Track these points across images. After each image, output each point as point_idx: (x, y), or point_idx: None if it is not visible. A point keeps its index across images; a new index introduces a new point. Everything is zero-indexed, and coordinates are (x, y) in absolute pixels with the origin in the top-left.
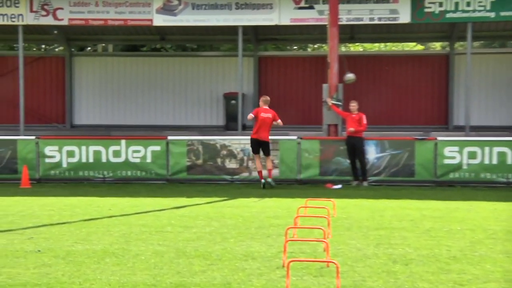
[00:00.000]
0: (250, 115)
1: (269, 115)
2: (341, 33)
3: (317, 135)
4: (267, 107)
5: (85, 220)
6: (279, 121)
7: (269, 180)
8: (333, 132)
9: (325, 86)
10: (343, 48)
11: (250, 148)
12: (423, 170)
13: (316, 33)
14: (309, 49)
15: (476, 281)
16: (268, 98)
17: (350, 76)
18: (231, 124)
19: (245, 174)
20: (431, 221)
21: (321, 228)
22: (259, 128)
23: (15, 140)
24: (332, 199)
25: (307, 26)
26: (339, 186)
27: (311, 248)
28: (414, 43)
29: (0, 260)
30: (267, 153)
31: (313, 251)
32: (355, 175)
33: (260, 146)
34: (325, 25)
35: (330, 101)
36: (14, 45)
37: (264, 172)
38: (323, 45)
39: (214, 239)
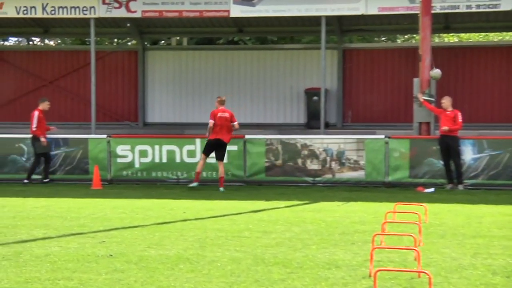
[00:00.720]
0: (211, 122)
1: (226, 114)
2: (434, 23)
3: (407, 134)
4: (223, 107)
5: (158, 223)
6: (236, 123)
7: (221, 189)
8: (424, 130)
9: (416, 80)
10: (436, 39)
11: (334, 149)
12: None
13: (407, 23)
14: (398, 41)
15: None
16: (223, 98)
17: (437, 72)
18: (312, 122)
19: (328, 176)
20: None
21: (411, 235)
22: (220, 129)
23: (86, 139)
24: (423, 204)
25: (397, 15)
26: (432, 189)
27: (400, 257)
28: None
29: (71, 264)
30: (221, 157)
31: (403, 260)
32: (449, 178)
33: (215, 149)
34: (416, 14)
35: (422, 97)
36: (86, 39)
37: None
38: (414, 35)
39: (294, 246)
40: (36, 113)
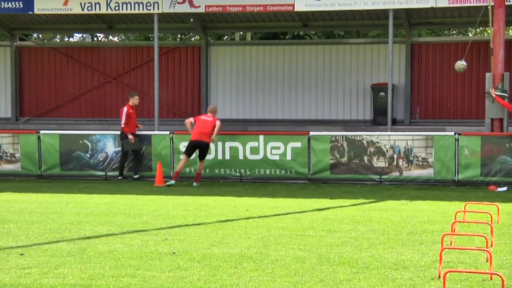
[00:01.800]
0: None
1: (210, 118)
2: (508, 15)
3: (478, 130)
4: (210, 114)
5: (221, 221)
6: (214, 133)
7: (195, 184)
8: (497, 127)
9: (488, 75)
10: (510, 32)
11: (401, 146)
12: None
13: (479, 16)
14: (470, 34)
15: None
16: (213, 107)
17: (462, 64)
18: (379, 118)
19: (395, 174)
20: None
21: (483, 236)
22: (201, 129)
23: (149, 135)
24: (496, 203)
25: (468, 7)
26: (505, 188)
27: (471, 258)
28: None
29: (134, 261)
30: (203, 156)
31: (474, 261)
32: None
33: (197, 149)
34: (488, 6)
35: (494, 92)
36: (149, 35)
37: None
38: (487, 29)
39: (360, 245)
40: (125, 109)
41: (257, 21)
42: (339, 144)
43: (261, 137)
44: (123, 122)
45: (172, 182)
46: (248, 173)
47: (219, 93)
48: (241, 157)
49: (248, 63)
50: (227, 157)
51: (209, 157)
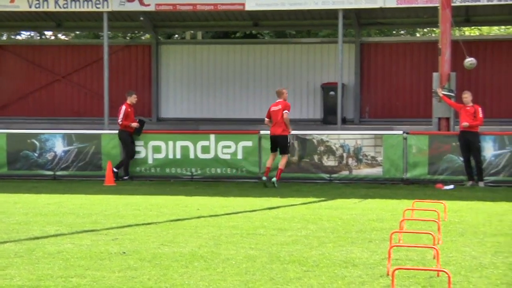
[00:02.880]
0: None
1: (278, 107)
2: (454, 16)
3: (426, 129)
4: (279, 100)
5: (172, 220)
6: (285, 111)
7: (274, 180)
8: (444, 126)
9: (435, 75)
10: (457, 33)
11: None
12: None
13: (426, 16)
14: (418, 34)
15: None
16: (279, 90)
17: (471, 61)
18: (329, 117)
19: (345, 173)
20: None
21: (430, 233)
22: (273, 122)
23: (99, 135)
24: (443, 201)
25: (416, 8)
26: (451, 186)
27: (419, 255)
28: None
29: (84, 262)
30: (282, 151)
31: (421, 259)
32: (469, 175)
33: (276, 144)
34: (436, 7)
35: (441, 92)
36: (99, 33)
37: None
38: (434, 29)
39: (310, 244)
40: (123, 107)
41: (208, 20)
42: (289, 143)
43: (212, 136)
44: (120, 119)
45: (266, 178)
46: (199, 172)
47: (170, 92)
48: (192, 156)
49: (199, 62)
50: (178, 156)
51: (159, 156)
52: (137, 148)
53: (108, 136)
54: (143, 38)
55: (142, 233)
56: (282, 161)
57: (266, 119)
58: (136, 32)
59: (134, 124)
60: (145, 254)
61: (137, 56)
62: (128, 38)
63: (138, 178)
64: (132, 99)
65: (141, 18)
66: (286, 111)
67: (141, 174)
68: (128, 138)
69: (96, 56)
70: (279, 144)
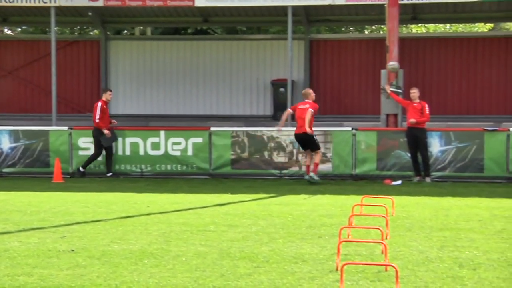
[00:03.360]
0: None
1: (305, 106)
2: (401, 13)
3: (374, 126)
4: (307, 100)
5: (122, 217)
6: (310, 110)
7: (312, 175)
8: (392, 122)
9: (383, 72)
10: (403, 30)
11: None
12: (493, 165)
13: (374, 14)
14: (366, 31)
15: None
16: (306, 90)
17: (394, 64)
18: (279, 113)
19: (295, 169)
20: (503, 221)
21: (378, 228)
22: (297, 120)
23: (46, 131)
24: (391, 197)
25: (364, 5)
26: (399, 182)
27: (367, 250)
28: (484, 24)
29: (32, 260)
30: (312, 148)
31: (370, 254)
32: (416, 170)
33: (303, 142)
34: (383, 5)
35: (389, 89)
36: (47, 28)
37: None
38: (382, 26)
39: (260, 240)
40: (99, 104)
41: (158, 16)
42: (240, 140)
43: (162, 133)
44: (97, 117)
45: (306, 177)
46: (149, 168)
47: (119, 88)
48: (142, 152)
49: (148, 58)
50: (128, 152)
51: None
52: (86, 145)
53: (56, 132)
54: (91, 33)
55: (91, 230)
56: (316, 157)
57: (290, 109)
58: (85, 27)
59: (107, 132)
60: (94, 251)
61: (86, 52)
62: (76, 33)
63: (88, 175)
64: (107, 95)
65: (89, 14)
66: (312, 109)
67: (89, 172)
68: (100, 136)
69: (43, 51)
70: (306, 142)
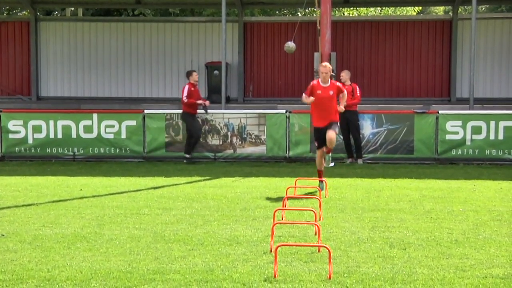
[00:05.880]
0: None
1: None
2: None
3: (307, 108)
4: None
5: (54, 201)
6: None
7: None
8: None
9: (316, 54)
10: (335, 14)
11: (235, 124)
12: (423, 147)
13: None
14: (299, 14)
15: (480, 266)
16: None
17: (290, 44)
18: (213, 96)
19: (229, 151)
20: (432, 202)
21: (312, 210)
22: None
23: None
24: (324, 179)
25: None
26: (332, 164)
27: (301, 232)
28: (414, 8)
29: None
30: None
31: (303, 235)
32: (348, 152)
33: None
34: None
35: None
36: None
37: None
38: (314, 9)
39: (195, 222)
40: (186, 87)
41: None
42: (174, 122)
43: (95, 116)
44: (184, 98)
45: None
46: (82, 152)
47: (50, 70)
48: (74, 135)
49: (80, 39)
50: (60, 135)
51: (39, 135)
52: (16, 128)
53: None
54: (20, 14)
55: (22, 214)
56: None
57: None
58: (14, 8)
59: (200, 101)
60: (25, 236)
61: (15, 33)
62: (4, 14)
63: (17, 158)
64: (193, 77)
65: None
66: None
67: (20, 155)
68: (189, 119)
69: None
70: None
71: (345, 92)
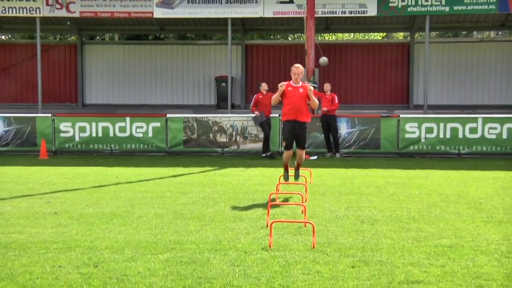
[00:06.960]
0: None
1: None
2: (317, 24)
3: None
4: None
5: (95, 187)
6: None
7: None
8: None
9: (304, 70)
10: (318, 38)
11: (239, 125)
12: (387, 143)
13: (296, 24)
14: (289, 38)
15: (432, 237)
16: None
17: (324, 59)
18: (221, 103)
19: (234, 147)
20: (394, 187)
21: (299, 194)
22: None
23: (34, 117)
24: (309, 169)
25: (288, 18)
26: (315, 157)
27: (290, 211)
28: (379, 33)
29: (22, 221)
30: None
31: (293, 213)
32: (329, 148)
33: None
34: (303, 17)
35: (307, 83)
36: (33, 34)
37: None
38: (302, 34)
39: (207, 203)
40: (255, 96)
41: (123, 25)
42: (190, 124)
43: (128, 119)
44: (251, 105)
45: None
46: (117, 147)
47: (93, 83)
48: (111, 134)
49: (116, 58)
50: (100, 134)
51: (84, 134)
52: (66, 128)
53: (42, 118)
54: (69, 39)
55: (70, 197)
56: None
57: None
58: (64, 33)
59: (256, 113)
60: (73, 213)
61: (65, 54)
62: (57, 38)
63: (66, 153)
64: (263, 87)
65: (68, 23)
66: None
67: (69, 150)
68: (263, 122)
69: (31, 53)
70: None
71: (311, 89)
